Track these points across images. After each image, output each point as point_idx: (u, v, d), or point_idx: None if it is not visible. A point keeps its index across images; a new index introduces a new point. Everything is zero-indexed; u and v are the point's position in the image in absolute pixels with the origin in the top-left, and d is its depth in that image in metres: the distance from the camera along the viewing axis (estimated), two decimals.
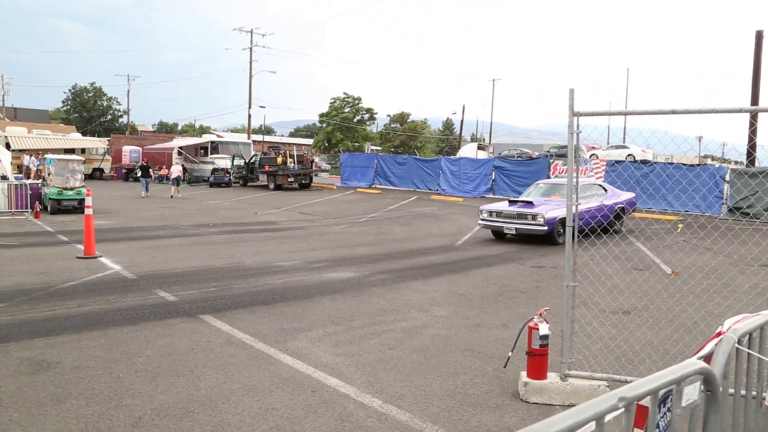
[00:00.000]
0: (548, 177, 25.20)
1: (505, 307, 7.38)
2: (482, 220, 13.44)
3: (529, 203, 13.00)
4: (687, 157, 33.87)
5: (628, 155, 28.97)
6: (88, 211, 10.91)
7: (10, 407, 4.19)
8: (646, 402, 1.78)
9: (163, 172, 39.31)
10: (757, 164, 18.53)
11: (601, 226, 12.91)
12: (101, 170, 41.50)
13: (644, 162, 23.17)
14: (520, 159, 30.04)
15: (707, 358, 2.35)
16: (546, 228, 12.26)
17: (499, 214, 13.17)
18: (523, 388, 4.50)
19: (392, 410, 4.23)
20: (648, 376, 1.78)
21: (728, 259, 10.83)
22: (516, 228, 12.67)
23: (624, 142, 32.65)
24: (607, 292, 7.31)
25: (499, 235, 13.69)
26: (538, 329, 4.47)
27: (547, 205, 12.81)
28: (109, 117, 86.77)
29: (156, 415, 4.10)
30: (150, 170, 29.78)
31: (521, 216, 12.63)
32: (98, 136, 60.38)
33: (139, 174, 29.29)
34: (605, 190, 14.47)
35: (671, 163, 23.69)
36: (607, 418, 1.57)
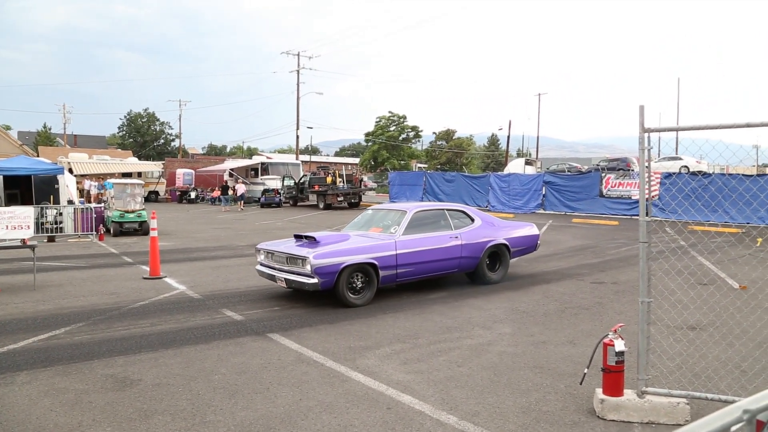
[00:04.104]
0: (600, 191, 24.79)
1: (569, 324, 7.29)
2: (260, 264, 9.17)
3: (313, 240, 8.59)
4: (743, 166, 32.69)
5: (682, 167, 28.21)
6: (153, 233, 11.35)
7: (103, 422, 4.40)
8: (763, 417, 1.77)
9: (215, 194, 40.45)
10: None
11: (451, 272, 9.46)
12: (156, 193, 42.98)
13: (701, 173, 22.52)
14: (570, 173, 29.65)
15: None
16: (315, 280, 7.79)
17: (271, 255, 8.84)
18: (600, 405, 4.45)
19: (469, 427, 4.25)
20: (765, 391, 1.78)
21: None
22: (285, 279, 8.26)
23: (676, 152, 31.84)
24: (671, 307, 7.15)
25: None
26: (613, 345, 4.43)
27: (331, 245, 8.31)
28: (162, 141, 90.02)
29: (239, 431, 4.24)
30: (229, 189, 35.58)
31: (292, 260, 8.23)
32: (152, 160, 62.64)
33: (219, 193, 36.77)
34: (471, 219, 9.92)
35: (732, 174, 22.94)
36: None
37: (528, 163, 40.14)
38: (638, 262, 4.47)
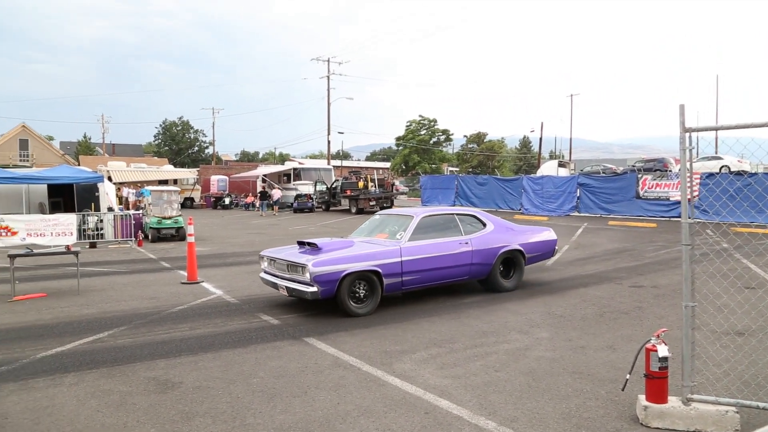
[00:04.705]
0: (636, 193, 24.32)
1: (608, 329, 7.16)
2: (263, 272, 8.99)
3: (315, 247, 8.37)
4: None
5: (723, 167, 27.46)
6: (191, 239, 11.55)
7: (147, 423, 4.50)
8: None
9: (249, 199, 40.98)
10: None
11: (461, 279, 9.16)
12: (192, 199, 43.73)
13: (744, 173, 21.89)
14: (605, 175, 29.17)
15: None
16: (315, 289, 7.58)
17: (273, 262, 8.65)
18: (643, 412, 4.35)
19: None
20: None
21: None
22: (286, 287, 8.07)
23: (716, 152, 31.02)
24: (716, 311, 6.97)
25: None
26: (656, 351, 4.33)
27: (332, 252, 8.07)
28: (196, 148, 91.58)
29: None
30: (267, 195, 36.16)
31: (292, 268, 8.05)
32: (187, 167, 63.85)
33: (258, 198, 36.98)
34: (483, 224, 9.54)
35: None
36: None
37: (561, 164, 39.64)
38: (680, 265, 4.38)
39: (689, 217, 4.37)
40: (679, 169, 4.47)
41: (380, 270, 8.04)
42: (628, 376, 4.70)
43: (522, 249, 9.72)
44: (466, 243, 9.02)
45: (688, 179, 4.39)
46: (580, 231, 19.62)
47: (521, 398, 4.89)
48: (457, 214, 9.54)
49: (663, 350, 4.33)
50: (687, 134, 4.34)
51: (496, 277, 9.43)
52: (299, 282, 7.87)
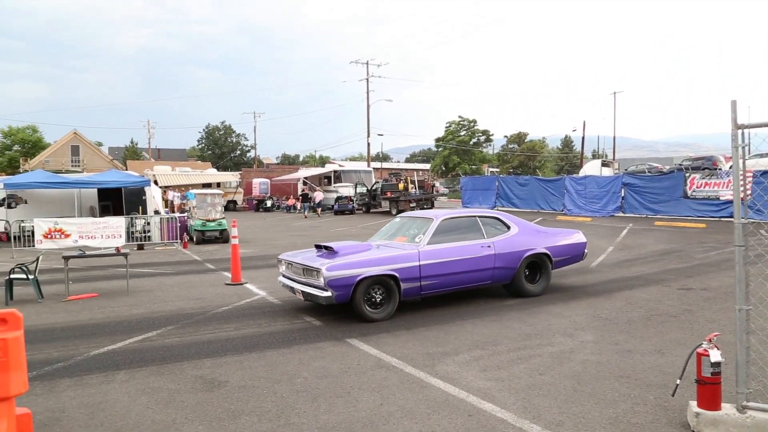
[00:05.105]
0: (684, 192, 23.62)
1: (656, 333, 6.98)
2: (281, 275, 9.00)
3: (331, 251, 8.35)
4: None
5: None
6: (234, 241, 11.78)
7: (195, 420, 4.61)
8: None
9: (290, 202, 41.52)
10: None
11: (484, 284, 8.87)
12: (234, 202, 44.57)
13: None
14: (650, 174, 28.43)
15: None
16: (329, 293, 7.50)
17: (290, 266, 8.60)
18: (695, 419, 4.23)
19: None
20: None
21: None
22: (302, 291, 8.00)
23: None
24: None
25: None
26: (708, 355, 4.20)
27: (347, 257, 7.96)
28: (238, 152, 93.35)
29: None
30: (309, 197, 36.78)
31: (308, 272, 7.97)
32: (229, 170, 65.12)
33: (300, 200, 38.17)
34: (507, 227, 9.25)
35: None
36: None
37: (604, 164, 38.80)
38: (731, 267, 4.25)
39: (742, 217, 4.23)
40: (730, 167, 4.33)
41: (397, 274, 7.86)
42: (678, 381, 4.57)
43: (549, 252, 9.39)
44: (489, 246, 8.77)
45: (741, 177, 4.25)
46: (625, 232, 19.16)
47: (566, 402, 4.81)
48: (480, 217, 9.25)
49: (715, 355, 4.19)
50: (739, 131, 4.20)
51: (520, 281, 9.11)
52: (314, 286, 7.78)
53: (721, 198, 22.45)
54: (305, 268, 8.00)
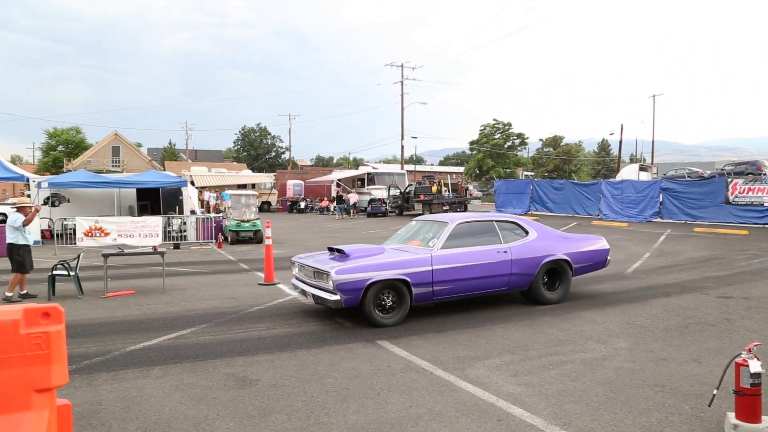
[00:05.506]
0: (726, 198, 22.98)
1: (693, 341, 6.81)
2: (294, 278, 8.94)
3: (343, 254, 8.25)
4: None
5: None
6: (268, 242, 11.94)
7: (226, 417, 4.69)
8: None
9: (324, 203, 41.82)
10: None
11: (499, 290, 8.59)
12: (269, 203, 45.10)
13: None
14: (690, 179, 27.74)
15: None
16: (338, 297, 7.39)
17: (303, 268, 8.51)
18: (732, 431, 4.11)
19: None
20: None
21: None
22: (312, 294, 7.87)
23: None
24: None
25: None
26: (747, 366, 4.08)
27: (358, 260, 7.83)
28: (273, 153, 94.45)
29: None
30: (343, 199, 37.04)
31: (318, 275, 7.88)
32: (264, 172, 65.98)
33: (334, 202, 38.23)
34: (525, 232, 8.96)
35: None
36: None
37: (642, 168, 37.99)
38: None
39: None
40: None
41: (409, 279, 7.72)
42: (715, 392, 4.46)
43: (569, 259, 9.08)
44: (505, 252, 8.51)
45: None
46: (663, 238, 18.73)
47: (598, 409, 4.73)
48: (497, 221, 8.99)
49: (755, 365, 4.07)
50: None
51: (538, 288, 8.83)
52: (324, 289, 7.68)
53: (765, 204, 21.77)
54: (316, 270, 7.93)
